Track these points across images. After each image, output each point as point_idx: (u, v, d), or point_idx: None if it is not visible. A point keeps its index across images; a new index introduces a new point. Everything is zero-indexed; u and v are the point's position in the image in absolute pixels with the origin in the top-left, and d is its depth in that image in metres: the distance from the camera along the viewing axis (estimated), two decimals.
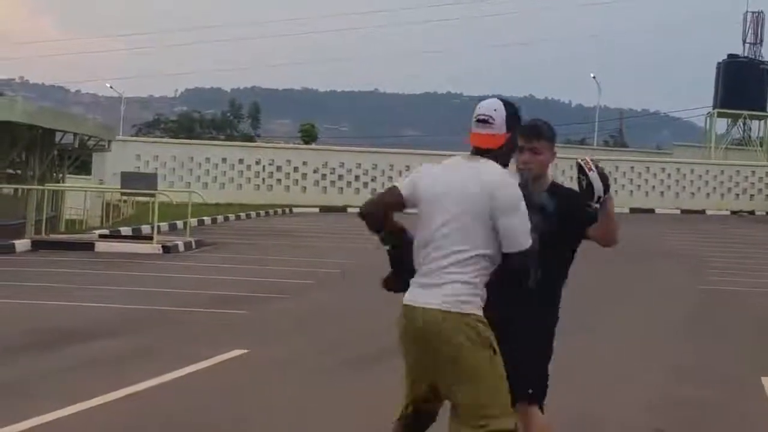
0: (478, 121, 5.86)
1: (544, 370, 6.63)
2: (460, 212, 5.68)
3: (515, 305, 6.19)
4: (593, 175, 6.17)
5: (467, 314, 5.66)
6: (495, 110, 5.87)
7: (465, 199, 5.69)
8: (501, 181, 5.74)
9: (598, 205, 6.27)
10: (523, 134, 6.29)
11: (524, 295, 6.15)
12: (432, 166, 5.95)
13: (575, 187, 6.41)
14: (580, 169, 6.22)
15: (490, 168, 5.78)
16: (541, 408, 6.59)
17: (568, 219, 6.35)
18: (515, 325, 6.25)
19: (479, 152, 5.86)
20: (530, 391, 6.46)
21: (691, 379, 12.20)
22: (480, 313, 5.72)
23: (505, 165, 5.93)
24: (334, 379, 11.16)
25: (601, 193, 6.17)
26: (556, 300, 6.63)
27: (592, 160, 6.29)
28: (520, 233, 5.67)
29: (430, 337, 5.66)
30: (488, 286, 5.79)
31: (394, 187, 5.92)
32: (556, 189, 6.64)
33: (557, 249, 6.37)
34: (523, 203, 5.75)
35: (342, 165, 53.22)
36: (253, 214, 44.68)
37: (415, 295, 5.76)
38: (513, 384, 6.02)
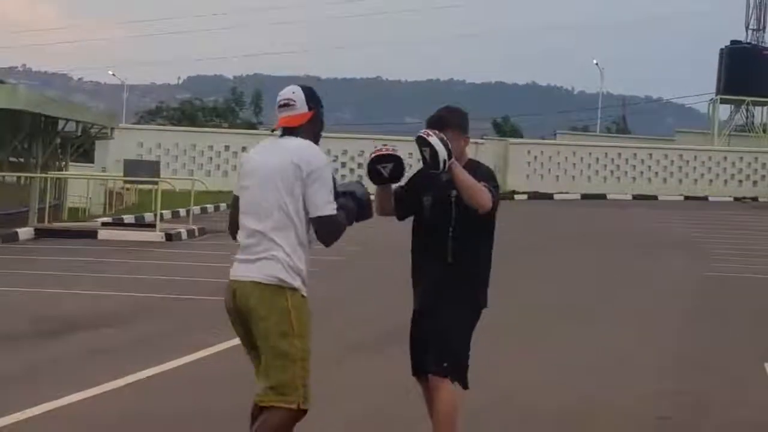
0: (281, 106, 6.33)
1: (462, 344, 6.82)
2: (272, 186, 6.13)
3: (436, 280, 6.70)
4: (434, 140, 6.47)
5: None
6: (293, 93, 6.34)
7: (274, 173, 6.11)
8: (299, 147, 6.18)
9: (445, 171, 6.53)
10: (430, 125, 6.74)
11: (445, 270, 6.66)
12: (245, 155, 6.51)
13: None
14: (422, 141, 6.53)
15: (292, 141, 6.23)
16: (464, 386, 6.85)
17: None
18: (435, 299, 6.71)
19: (288, 133, 6.31)
20: (444, 364, 6.71)
21: (694, 365, 12.23)
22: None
23: (314, 141, 6.35)
24: (338, 365, 11.17)
25: (446, 157, 6.46)
26: (477, 276, 6.86)
27: (432, 131, 6.58)
28: (319, 200, 6.10)
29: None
30: (412, 260, 6.45)
31: (233, 196, 6.45)
32: (470, 166, 6.86)
33: (469, 225, 6.72)
34: (327, 172, 6.17)
35: (345, 152, 53.21)
36: None
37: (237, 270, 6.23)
38: (429, 355, 6.63)
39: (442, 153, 6.45)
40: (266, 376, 6.07)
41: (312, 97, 6.36)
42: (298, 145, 6.19)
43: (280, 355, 6.03)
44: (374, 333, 13.48)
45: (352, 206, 6.29)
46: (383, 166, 6.67)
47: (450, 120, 6.84)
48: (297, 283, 6.08)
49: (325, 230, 6.10)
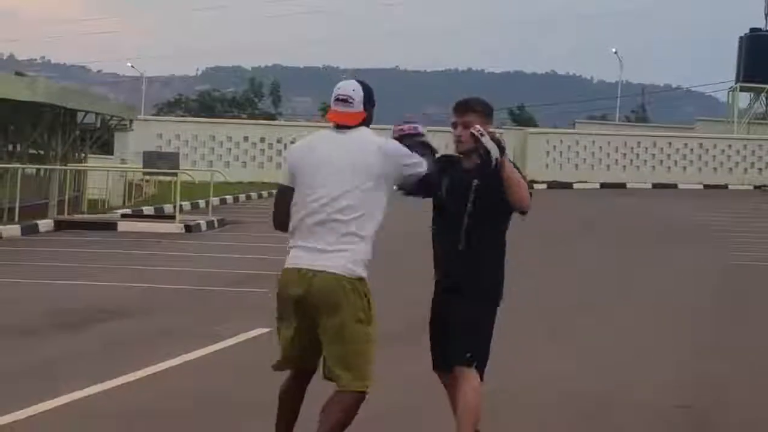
0: (338, 100, 6.40)
1: (484, 336, 6.89)
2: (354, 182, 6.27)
3: (451, 266, 6.80)
4: (486, 140, 6.54)
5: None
6: (353, 90, 6.42)
7: (348, 164, 6.26)
8: (370, 137, 6.38)
9: (497, 167, 6.60)
10: (455, 110, 6.86)
11: (459, 257, 6.74)
12: (297, 146, 6.62)
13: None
14: (475, 139, 6.60)
15: (357, 133, 6.39)
16: (481, 378, 6.87)
17: (492, 186, 6.67)
18: (460, 291, 6.79)
19: (340, 128, 6.42)
20: (468, 354, 6.79)
21: (714, 354, 12.20)
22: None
23: None
24: None
25: (497, 155, 6.53)
26: (491, 267, 6.90)
27: (481, 128, 6.64)
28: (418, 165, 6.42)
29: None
30: (435, 252, 6.65)
31: (280, 187, 6.63)
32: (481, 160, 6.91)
33: (491, 224, 6.81)
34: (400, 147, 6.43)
35: None
36: (275, 191, 44.67)
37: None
38: (453, 346, 6.72)
39: (495, 151, 6.55)
40: (342, 362, 6.28)
41: (369, 97, 6.47)
42: (367, 136, 6.38)
43: (358, 341, 6.27)
44: (402, 323, 13.46)
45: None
46: (407, 146, 6.68)
47: (474, 104, 6.91)
48: (366, 272, 6.31)
49: (429, 183, 6.49)
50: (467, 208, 6.75)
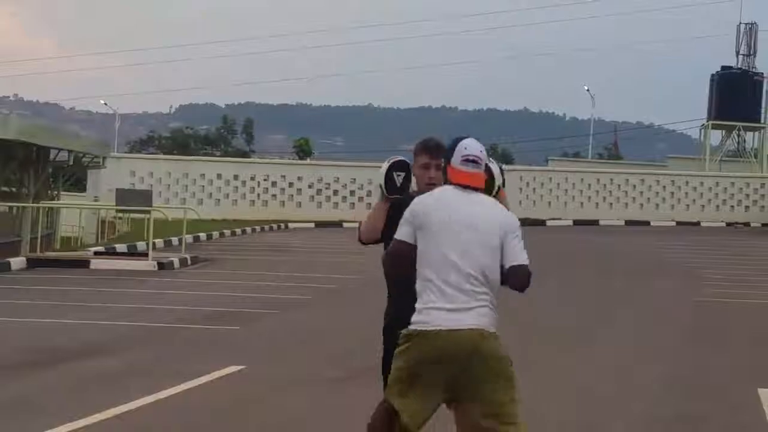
0: (468, 160, 6.29)
1: None
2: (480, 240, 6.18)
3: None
4: (494, 167, 6.60)
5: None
6: (481, 151, 6.34)
7: (483, 227, 6.18)
8: (510, 217, 6.32)
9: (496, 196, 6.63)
10: (428, 151, 6.88)
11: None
12: (424, 200, 6.33)
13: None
14: (486, 167, 6.57)
15: (493, 203, 6.35)
16: None
17: None
18: None
19: (466, 188, 6.29)
20: None
21: (687, 391, 12.20)
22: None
23: None
24: (332, 394, 11.14)
25: (500, 184, 6.64)
26: None
27: (491, 158, 6.65)
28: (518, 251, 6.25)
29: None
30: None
31: (399, 242, 6.28)
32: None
33: None
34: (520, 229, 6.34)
35: (337, 180, 53.24)
36: (248, 229, 44.65)
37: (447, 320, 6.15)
38: None
39: (499, 180, 6.62)
40: (499, 416, 6.14)
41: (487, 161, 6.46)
42: (500, 209, 6.34)
43: (509, 391, 6.20)
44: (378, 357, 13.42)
45: None
46: (398, 174, 6.78)
47: (444, 148, 6.84)
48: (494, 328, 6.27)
49: (521, 277, 6.24)
50: None
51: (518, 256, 6.20)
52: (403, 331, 6.15)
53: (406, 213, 6.27)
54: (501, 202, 6.58)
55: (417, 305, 6.14)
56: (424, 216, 6.21)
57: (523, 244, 6.25)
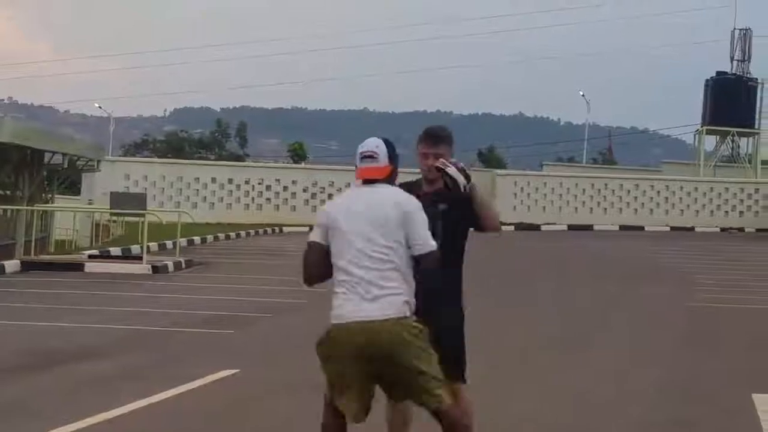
0: (365, 157, 6.69)
1: (464, 352, 7.32)
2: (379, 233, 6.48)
3: (437, 302, 6.99)
4: (452, 170, 6.94)
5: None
6: (377, 146, 6.71)
7: (378, 217, 6.50)
8: (395, 193, 6.64)
9: (467, 193, 7.01)
10: (426, 141, 7.22)
11: (441, 292, 7.05)
12: (333, 201, 6.86)
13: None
14: (439, 171, 7.00)
15: (384, 188, 6.64)
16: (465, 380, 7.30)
17: (462, 214, 7.11)
18: (441, 319, 7.01)
19: (368, 183, 6.68)
20: (464, 373, 7.23)
21: (682, 395, 12.20)
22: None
23: None
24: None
25: (464, 182, 6.96)
26: (461, 290, 7.35)
27: (447, 161, 7.04)
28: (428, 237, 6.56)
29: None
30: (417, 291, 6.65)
31: (310, 243, 6.67)
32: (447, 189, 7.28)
33: (456, 245, 7.22)
34: (422, 212, 6.61)
35: (332, 184, 53.18)
36: (243, 233, 44.59)
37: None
38: (447, 366, 6.81)
39: (461, 180, 6.93)
40: (430, 390, 6.49)
41: (393, 152, 6.75)
42: (394, 191, 6.64)
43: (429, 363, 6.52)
44: None
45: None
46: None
47: (444, 137, 7.27)
48: (410, 311, 6.51)
49: (431, 262, 6.51)
50: (437, 232, 6.89)
51: (424, 239, 6.50)
52: (325, 330, 6.55)
53: (321, 216, 6.71)
54: (478, 198, 6.96)
55: (333, 301, 6.54)
56: (335, 214, 6.61)
57: (427, 224, 6.51)
